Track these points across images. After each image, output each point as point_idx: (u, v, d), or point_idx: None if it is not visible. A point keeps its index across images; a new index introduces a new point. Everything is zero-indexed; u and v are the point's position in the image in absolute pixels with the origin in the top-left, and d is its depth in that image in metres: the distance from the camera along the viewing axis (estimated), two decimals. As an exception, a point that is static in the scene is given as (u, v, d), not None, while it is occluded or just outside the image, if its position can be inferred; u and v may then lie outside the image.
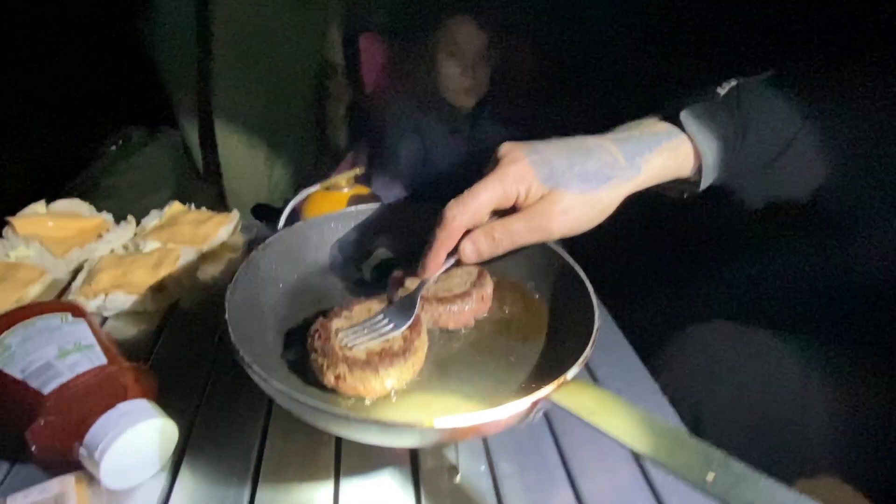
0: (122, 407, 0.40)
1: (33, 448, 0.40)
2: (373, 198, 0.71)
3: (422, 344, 0.43)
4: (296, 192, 0.71)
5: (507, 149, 0.45)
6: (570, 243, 0.48)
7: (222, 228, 0.70)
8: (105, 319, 0.60)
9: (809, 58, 0.56)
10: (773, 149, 0.51)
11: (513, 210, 0.45)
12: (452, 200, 0.44)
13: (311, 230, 0.55)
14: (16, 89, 1.00)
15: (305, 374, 0.42)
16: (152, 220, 0.73)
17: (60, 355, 0.43)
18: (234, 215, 0.73)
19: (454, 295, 0.47)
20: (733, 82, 0.51)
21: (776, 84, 0.51)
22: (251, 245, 0.71)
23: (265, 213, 1.05)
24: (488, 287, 0.49)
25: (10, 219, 0.67)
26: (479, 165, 0.46)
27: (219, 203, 1.22)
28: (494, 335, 0.48)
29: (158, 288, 0.61)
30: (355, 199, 0.70)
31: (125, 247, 0.69)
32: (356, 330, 0.43)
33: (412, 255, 0.47)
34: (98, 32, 1.10)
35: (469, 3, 0.98)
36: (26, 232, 0.67)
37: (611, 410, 0.34)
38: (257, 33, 1.12)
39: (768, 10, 0.66)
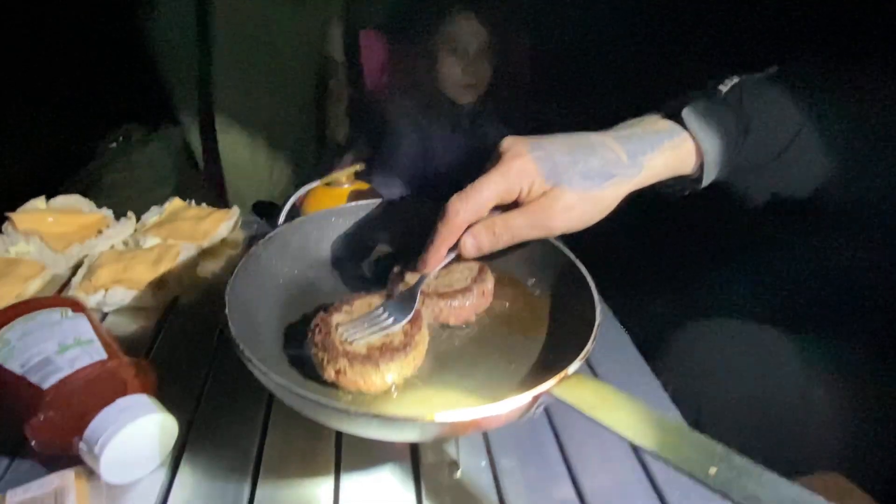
0: (122, 402, 0.40)
1: (33, 443, 0.40)
2: (373, 194, 0.71)
3: (422, 339, 0.43)
4: (296, 189, 0.71)
5: (509, 143, 0.45)
6: (572, 239, 0.48)
7: (222, 225, 0.70)
8: (105, 315, 0.60)
9: (812, 54, 0.56)
10: (775, 146, 0.50)
11: (514, 205, 0.45)
12: (455, 195, 0.43)
13: (312, 225, 0.54)
14: (17, 86, 1.00)
15: (305, 369, 0.42)
16: (152, 216, 0.73)
17: (60, 350, 0.43)
18: (235, 212, 0.73)
19: (455, 290, 0.47)
20: (736, 79, 0.51)
21: (779, 81, 0.51)
22: (251, 241, 0.71)
23: (265, 211, 1.05)
24: (489, 282, 0.49)
25: (9, 214, 0.67)
26: (479, 163, 0.46)
27: (219, 200, 1.22)
28: (495, 331, 0.48)
29: (158, 284, 0.61)
30: (356, 195, 0.70)
31: (125, 243, 0.69)
32: (356, 324, 0.43)
33: (413, 250, 0.47)
34: (99, 30, 1.11)
35: (470, 0, 0.98)
36: (26, 227, 0.66)
37: (613, 405, 0.33)
38: (258, 30, 1.12)
39: (771, 6, 0.66)
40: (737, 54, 0.61)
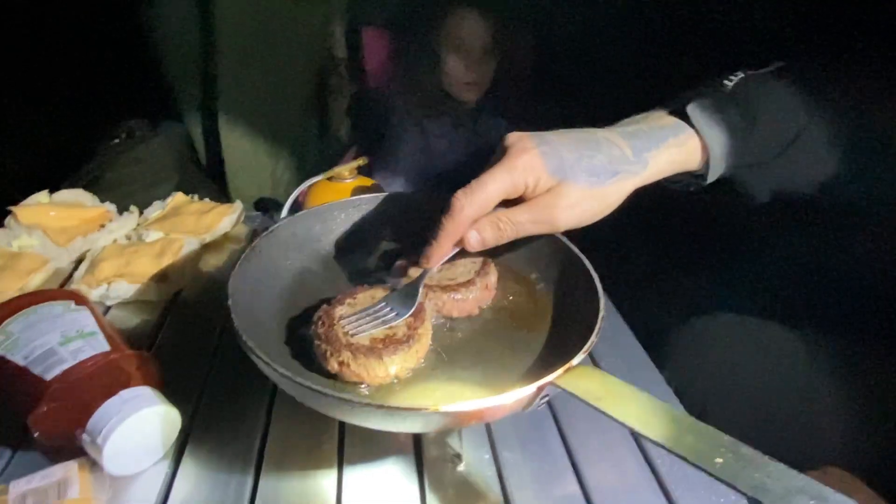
0: (125, 394, 0.40)
1: (36, 434, 0.40)
2: (377, 190, 0.71)
3: (425, 331, 0.43)
4: (298, 186, 0.71)
5: (515, 138, 0.45)
6: (576, 233, 0.48)
7: (225, 219, 0.70)
8: (108, 309, 0.60)
9: (818, 50, 0.56)
10: (780, 141, 0.50)
11: (519, 200, 0.45)
12: (461, 190, 0.43)
13: (315, 218, 0.54)
14: (20, 82, 1.00)
15: (308, 361, 0.42)
16: (155, 210, 0.73)
17: (63, 342, 0.43)
18: (237, 206, 0.73)
19: (458, 283, 0.47)
20: (741, 75, 0.51)
21: (784, 76, 0.51)
22: (254, 235, 0.71)
23: (268, 208, 1.05)
24: (492, 276, 0.49)
25: (12, 208, 0.67)
26: (481, 161, 0.46)
27: (222, 197, 1.22)
28: (498, 324, 0.47)
29: (161, 277, 0.61)
30: (359, 190, 0.70)
31: (128, 236, 0.69)
32: (360, 317, 0.43)
33: (416, 244, 0.47)
34: (102, 26, 1.10)
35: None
36: (29, 221, 0.66)
37: (618, 396, 0.33)
38: (261, 26, 1.12)
39: (773, 4, 0.66)
40: (739, 51, 0.61)
